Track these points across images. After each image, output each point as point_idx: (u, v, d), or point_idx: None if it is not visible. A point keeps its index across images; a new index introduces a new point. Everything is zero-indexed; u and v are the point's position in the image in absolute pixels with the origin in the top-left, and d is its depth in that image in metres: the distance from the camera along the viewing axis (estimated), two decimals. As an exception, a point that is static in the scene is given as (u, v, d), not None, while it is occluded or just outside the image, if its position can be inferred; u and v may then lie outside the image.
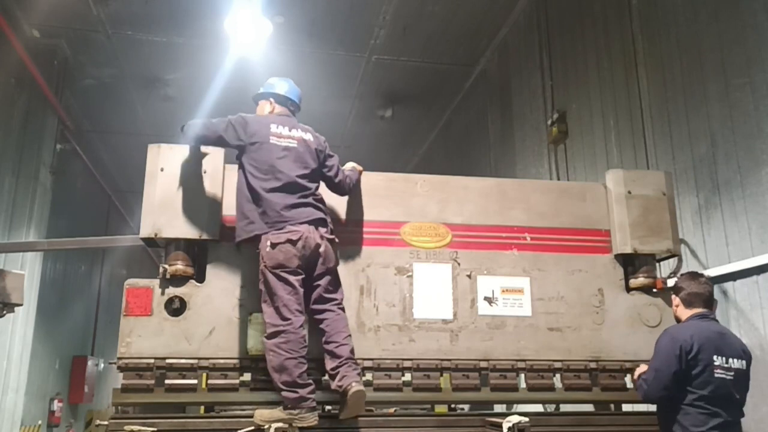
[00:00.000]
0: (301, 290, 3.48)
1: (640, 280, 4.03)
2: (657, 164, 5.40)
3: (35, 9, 7.99)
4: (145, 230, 3.64)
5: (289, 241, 3.44)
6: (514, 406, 5.02)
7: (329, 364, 3.48)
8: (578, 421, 3.79)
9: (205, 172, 3.75)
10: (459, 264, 3.92)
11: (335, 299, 3.62)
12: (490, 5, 8.16)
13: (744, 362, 3.31)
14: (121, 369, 3.50)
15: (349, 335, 3.55)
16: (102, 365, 12.92)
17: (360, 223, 3.91)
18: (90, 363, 11.81)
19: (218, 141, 3.66)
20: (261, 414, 3.34)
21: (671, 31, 5.37)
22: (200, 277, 3.68)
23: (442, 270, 3.91)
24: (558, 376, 3.88)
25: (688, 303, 3.50)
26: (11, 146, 8.08)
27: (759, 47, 4.40)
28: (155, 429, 3.30)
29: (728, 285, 4.46)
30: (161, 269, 3.61)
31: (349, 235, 3.86)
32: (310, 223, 3.53)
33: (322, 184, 3.83)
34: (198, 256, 3.73)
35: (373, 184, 4.00)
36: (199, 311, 3.61)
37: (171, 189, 3.68)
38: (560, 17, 7.30)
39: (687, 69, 5.14)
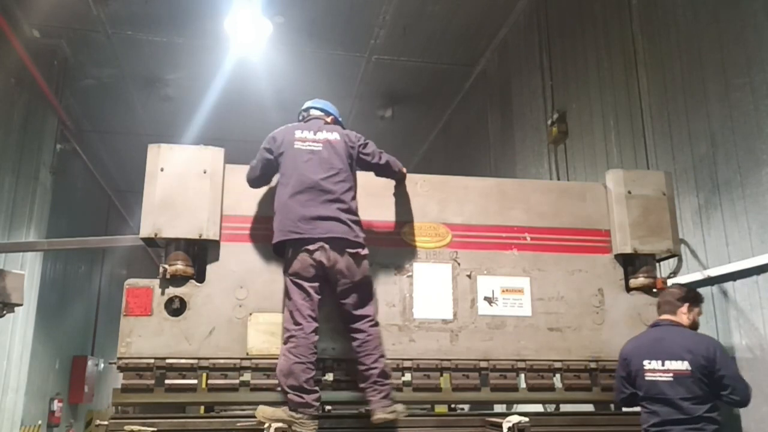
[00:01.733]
0: (317, 297, 3.46)
1: (640, 280, 4.03)
2: (657, 164, 5.40)
3: (35, 9, 7.99)
4: (145, 230, 3.64)
5: (306, 250, 3.44)
6: (514, 406, 5.02)
7: (359, 381, 3.51)
8: (578, 421, 3.79)
9: (205, 172, 3.75)
10: (459, 264, 3.92)
11: (365, 316, 3.55)
12: (490, 5, 8.16)
13: (686, 362, 3.41)
14: (121, 369, 3.50)
15: (381, 356, 3.51)
16: (102, 365, 12.92)
17: (360, 223, 3.90)
18: (90, 363, 11.81)
19: (267, 170, 3.70)
20: (263, 411, 3.33)
21: (671, 31, 5.37)
22: (200, 277, 3.68)
23: (442, 270, 3.91)
24: (558, 376, 3.88)
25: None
26: (11, 146, 8.07)
27: (759, 47, 4.40)
28: (155, 429, 3.30)
29: (728, 285, 4.46)
30: (161, 269, 3.61)
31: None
32: (327, 240, 3.46)
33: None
34: (198, 256, 3.73)
35: (373, 184, 3.99)
36: (199, 311, 3.61)
37: (171, 189, 3.69)
38: (560, 17, 7.30)
39: (687, 69, 5.14)
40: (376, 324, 3.59)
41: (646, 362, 3.53)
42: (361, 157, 3.77)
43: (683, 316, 3.64)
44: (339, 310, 3.57)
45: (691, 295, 3.70)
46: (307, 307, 3.42)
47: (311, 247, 3.44)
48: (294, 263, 3.46)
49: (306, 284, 3.44)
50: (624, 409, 4.11)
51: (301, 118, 3.98)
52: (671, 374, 3.43)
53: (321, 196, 3.53)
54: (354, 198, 3.66)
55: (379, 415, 3.37)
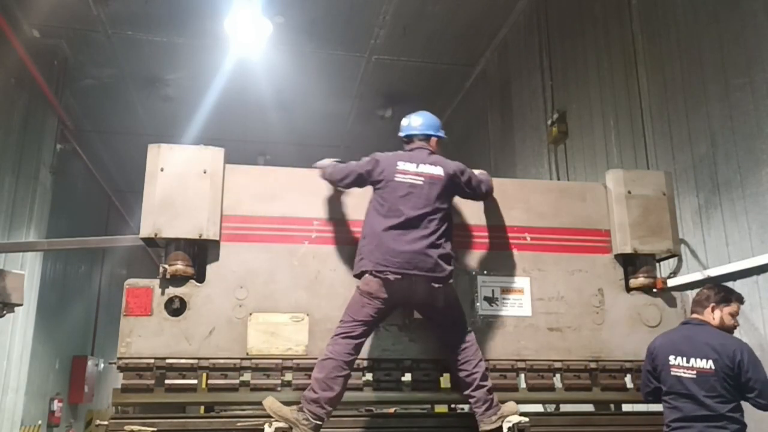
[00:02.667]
0: (377, 317, 3.48)
1: (640, 280, 4.03)
2: (657, 164, 5.40)
3: (35, 9, 7.99)
4: (145, 230, 3.64)
5: (387, 279, 3.43)
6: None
7: (461, 389, 3.57)
8: (578, 421, 3.80)
9: (205, 172, 3.74)
10: (459, 264, 3.91)
11: (458, 330, 3.59)
12: (490, 5, 8.16)
13: (711, 362, 3.42)
14: (121, 369, 3.50)
15: (481, 360, 3.55)
16: (102, 365, 12.92)
17: (360, 223, 3.90)
18: (90, 363, 11.81)
19: (355, 183, 3.71)
20: (272, 403, 3.32)
21: (671, 31, 5.37)
22: (200, 277, 3.68)
23: (442, 270, 3.89)
24: (558, 376, 3.88)
25: None
26: (11, 146, 8.07)
27: (759, 47, 4.40)
28: (155, 429, 3.30)
29: (728, 285, 4.46)
30: (161, 269, 3.61)
31: (349, 235, 3.86)
32: (414, 276, 3.45)
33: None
34: (198, 256, 3.73)
35: (373, 184, 3.98)
36: (199, 311, 3.60)
37: (171, 189, 3.68)
38: (560, 17, 7.30)
39: (687, 69, 5.14)
40: (471, 332, 3.62)
41: (671, 358, 3.54)
42: (465, 191, 3.76)
43: (710, 315, 3.64)
44: (435, 330, 3.64)
45: (719, 295, 3.68)
46: (361, 319, 3.44)
47: (391, 277, 3.43)
48: (371, 283, 3.46)
49: (372, 302, 3.45)
50: (624, 409, 4.13)
51: (405, 139, 3.88)
52: (695, 372, 3.45)
53: (414, 233, 3.50)
54: (448, 234, 3.60)
55: (484, 427, 3.43)
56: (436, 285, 3.48)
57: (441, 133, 3.89)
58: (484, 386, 3.50)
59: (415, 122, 3.87)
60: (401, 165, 3.65)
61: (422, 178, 3.61)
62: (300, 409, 3.28)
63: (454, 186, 3.68)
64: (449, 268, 3.53)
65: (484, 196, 3.89)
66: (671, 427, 3.48)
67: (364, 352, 3.68)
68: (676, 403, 3.49)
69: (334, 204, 3.90)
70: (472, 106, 10.08)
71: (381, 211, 3.58)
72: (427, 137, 3.84)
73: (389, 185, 3.60)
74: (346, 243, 3.82)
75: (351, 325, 3.44)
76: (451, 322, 3.60)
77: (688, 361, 3.49)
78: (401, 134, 3.90)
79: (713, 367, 3.41)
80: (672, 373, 3.53)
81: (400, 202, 3.55)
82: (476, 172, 3.85)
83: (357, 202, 3.92)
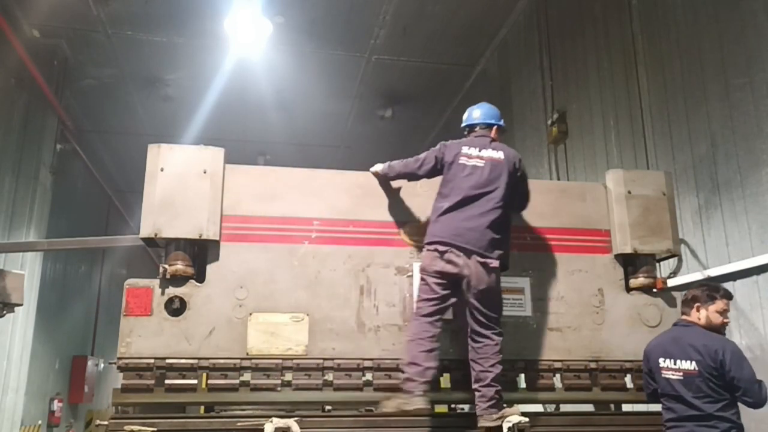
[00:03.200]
0: (442, 292, 3.58)
1: (640, 280, 4.03)
2: (657, 164, 5.40)
3: (35, 9, 8.00)
4: (145, 230, 3.64)
5: (437, 250, 3.59)
6: (514, 406, 5.00)
7: (473, 383, 3.60)
8: (578, 421, 3.80)
9: (205, 172, 3.74)
10: (459, 264, 3.91)
11: (490, 325, 3.60)
12: (490, 5, 8.17)
13: (694, 363, 3.45)
14: (121, 369, 3.50)
15: (498, 363, 3.56)
16: (102, 365, 12.92)
17: (360, 223, 3.91)
18: (90, 363, 11.81)
19: (428, 173, 3.87)
20: (387, 404, 3.49)
21: (671, 31, 5.37)
22: (200, 277, 3.68)
23: (442, 270, 3.89)
24: (558, 376, 3.88)
25: None
26: (11, 146, 8.08)
27: (759, 47, 4.41)
28: (155, 429, 3.30)
29: (728, 285, 4.45)
30: (161, 269, 3.61)
31: (349, 235, 3.86)
32: (463, 248, 3.55)
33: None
34: (198, 256, 3.73)
35: (374, 184, 3.99)
36: (199, 311, 3.60)
37: (171, 189, 3.68)
38: (560, 17, 7.30)
39: (687, 69, 5.14)
40: (501, 334, 3.63)
41: (661, 360, 3.59)
42: (518, 181, 3.83)
43: (695, 315, 3.64)
44: (468, 314, 3.66)
45: (704, 294, 3.67)
46: (426, 297, 3.59)
47: (441, 248, 3.57)
48: (424, 258, 3.67)
49: (429, 279, 3.60)
50: (624, 409, 4.13)
51: (465, 133, 4.05)
52: (681, 373, 3.49)
53: (470, 210, 3.64)
54: (504, 215, 3.70)
55: (484, 423, 3.47)
56: (481, 260, 3.55)
57: (501, 122, 4.03)
58: (494, 387, 3.52)
59: (476, 114, 4.06)
60: (465, 149, 3.83)
61: (484, 161, 3.76)
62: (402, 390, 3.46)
63: (514, 172, 3.78)
64: (498, 252, 3.62)
65: (520, 207, 3.94)
66: (667, 427, 3.54)
67: (364, 352, 3.69)
68: (669, 404, 3.55)
69: (334, 204, 3.90)
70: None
71: (444, 192, 3.76)
72: (488, 126, 3.98)
73: (453, 167, 3.77)
74: (346, 243, 3.82)
75: (420, 303, 3.62)
76: (484, 310, 3.60)
77: (675, 363, 3.53)
78: (463, 125, 4.08)
79: (697, 368, 3.44)
80: (663, 375, 3.58)
81: (461, 181, 3.72)
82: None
83: (356, 203, 3.93)
